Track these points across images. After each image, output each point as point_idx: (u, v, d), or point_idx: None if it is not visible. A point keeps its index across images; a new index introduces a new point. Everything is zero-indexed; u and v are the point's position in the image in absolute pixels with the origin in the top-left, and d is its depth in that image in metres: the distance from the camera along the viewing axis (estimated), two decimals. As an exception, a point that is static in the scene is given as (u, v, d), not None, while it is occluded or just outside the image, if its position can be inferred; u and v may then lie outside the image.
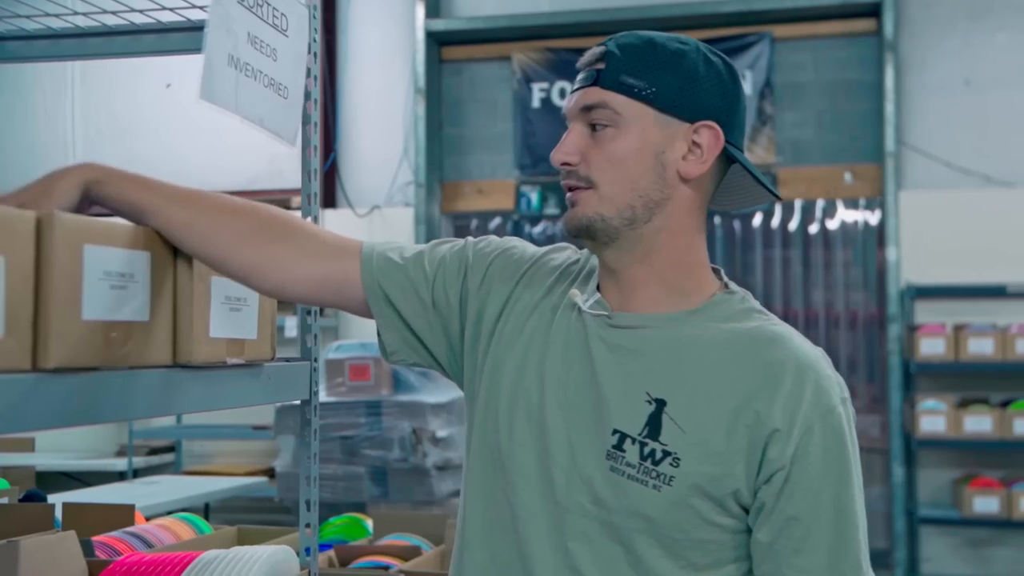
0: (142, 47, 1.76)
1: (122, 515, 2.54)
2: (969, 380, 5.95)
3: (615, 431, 1.23)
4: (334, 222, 6.74)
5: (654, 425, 1.21)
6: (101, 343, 1.16)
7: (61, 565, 1.73)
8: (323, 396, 4.82)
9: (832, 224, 6.45)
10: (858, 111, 6.29)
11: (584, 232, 1.27)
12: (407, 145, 6.73)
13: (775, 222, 6.51)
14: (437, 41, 6.74)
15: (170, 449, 6.82)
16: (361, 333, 6.48)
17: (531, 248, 1.43)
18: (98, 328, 1.16)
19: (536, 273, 1.38)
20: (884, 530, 6.30)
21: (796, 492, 1.20)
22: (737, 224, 6.55)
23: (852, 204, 6.41)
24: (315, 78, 1.68)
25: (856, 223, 6.43)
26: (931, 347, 5.74)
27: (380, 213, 6.77)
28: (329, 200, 6.85)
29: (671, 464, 1.20)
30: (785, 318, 6.32)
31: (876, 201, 6.32)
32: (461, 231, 6.99)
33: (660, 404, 1.22)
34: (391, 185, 6.78)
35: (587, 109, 1.26)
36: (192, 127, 6.75)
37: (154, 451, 6.72)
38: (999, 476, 5.86)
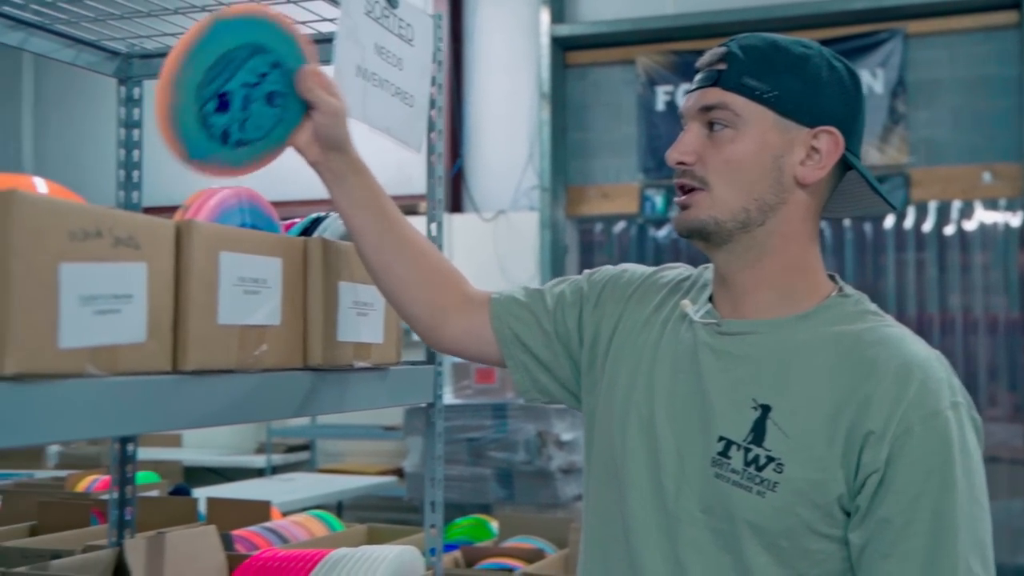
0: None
1: (260, 511, 2.64)
2: (1119, 388, 5.67)
3: (721, 438, 1.22)
4: (460, 227, 6.83)
5: (758, 431, 1.20)
6: (236, 346, 1.21)
7: (202, 558, 1.81)
8: (450, 398, 4.90)
9: (969, 225, 6.23)
10: (997, 108, 6.06)
11: (696, 234, 1.26)
12: (532, 150, 6.77)
13: (908, 224, 6.32)
14: (562, 46, 6.76)
15: (305, 447, 7.02)
16: (487, 336, 6.55)
17: (641, 269, 1.44)
18: (233, 332, 1.21)
19: (647, 291, 1.39)
20: (1027, 543, 6.05)
21: (889, 495, 1.16)
22: (868, 227, 6.38)
23: (991, 205, 6.17)
24: (440, 86, 1.72)
25: (996, 224, 6.19)
26: (1077, 353, 5.48)
27: (505, 217, 6.83)
28: (456, 205, 6.95)
29: (775, 470, 1.18)
30: (919, 323, 6.09)
31: (1017, 201, 6.08)
32: (585, 235, 7.00)
33: (765, 410, 1.20)
34: (516, 190, 6.83)
35: (706, 109, 1.25)
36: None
37: (291, 449, 6.93)
38: None
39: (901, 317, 6.27)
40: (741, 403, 1.22)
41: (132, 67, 1.87)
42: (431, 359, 1.70)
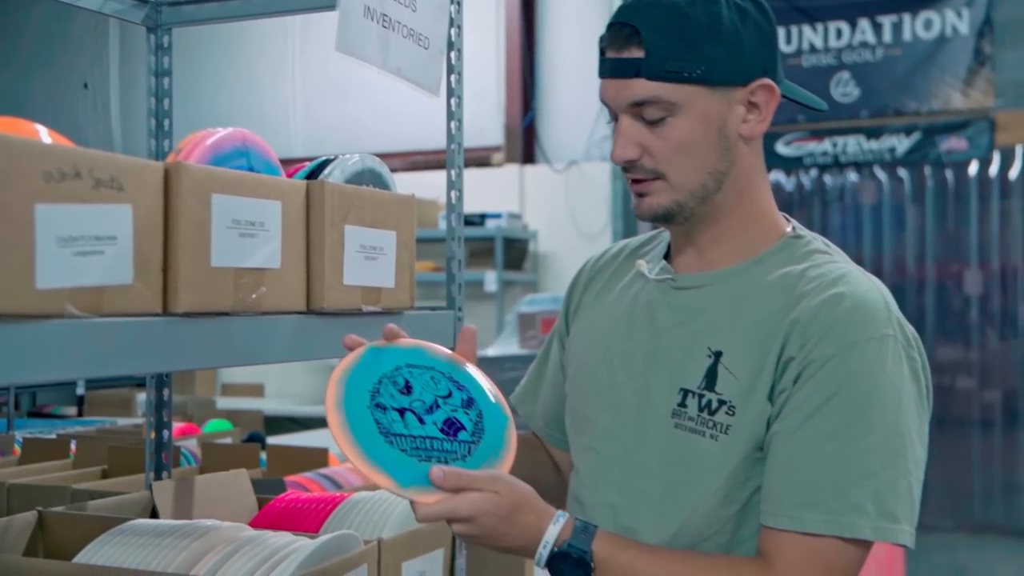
0: (301, 5, 1.81)
1: (317, 457, 2.69)
2: None
3: (681, 389, 1.23)
4: (532, 178, 6.80)
5: (711, 377, 1.21)
6: (231, 289, 1.21)
7: (232, 500, 1.83)
8: (516, 349, 4.91)
9: (1059, 171, 5.98)
10: (1090, 47, 5.79)
11: (660, 219, 1.27)
12: (604, 99, 6.70)
13: (993, 171, 6.10)
14: (635, -8, 6.65)
15: (379, 398, 7.11)
16: (555, 286, 6.53)
17: (615, 246, 1.47)
18: (228, 274, 1.21)
19: (600, 266, 1.44)
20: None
21: (787, 411, 1.16)
22: (950, 174, 6.17)
23: (1082, 149, 5.92)
24: (459, 28, 1.69)
25: (1087, 170, 5.93)
26: None
27: (578, 168, 6.77)
28: (528, 156, 6.91)
29: (727, 413, 1.19)
30: (1003, 273, 5.91)
31: (1111, 146, 5.82)
32: (660, 185, 6.91)
33: (717, 355, 1.21)
34: (588, 140, 6.76)
35: (637, 104, 1.21)
36: (399, 89, 6.93)
37: (364, 399, 7.02)
38: None
39: (984, 268, 6.10)
40: (698, 353, 1.23)
41: (161, 15, 1.87)
42: (451, 304, 1.69)
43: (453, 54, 1.69)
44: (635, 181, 1.26)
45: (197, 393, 6.12)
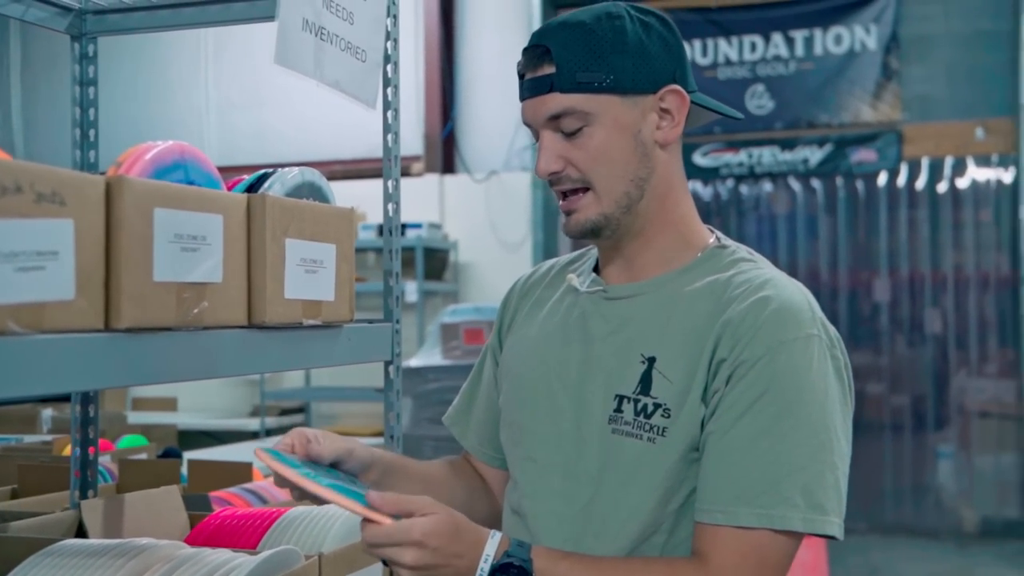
0: (231, 15, 1.79)
1: (241, 472, 2.64)
2: (1111, 344, 5.66)
3: (616, 396, 1.27)
4: (452, 188, 6.80)
5: (646, 382, 1.25)
6: (173, 304, 1.20)
7: (163, 518, 1.80)
8: (439, 360, 4.90)
9: (962, 182, 6.19)
10: (991, 63, 6.01)
11: (589, 234, 1.31)
12: (524, 110, 6.73)
13: (901, 181, 6.29)
14: (553, 4, 6.71)
15: (300, 410, 7.04)
16: (476, 296, 6.55)
17: (546, 264, 1.52)
18: (170, 289, 1.19)
19: (532, 283, 1.48)
20: (1018, 498, 6.06)
21: (720, 410, 1.20)
22: (860, 185, 6.34)
23: (984, 161, 6.14)
24: (395, 41, 1.69)
25: (988, 181, 6.15)
26: (1070, 310, 5.47)
27: (498, 178, 6.80)
28: (448, 166, 6.91)
29: (663, 415, 1.23)
30: (911, 282, 6.11)
31: (1010, 157, 6.04)
32: (579, 195, 6.97)
33: (651, 361, 1.26)
34: (508, 150, 6.80)
35: (555, 117, 1.27)
36: (317, 97, 6.86)
37: (285, 412, 6.95)
38: None
39: (894, 275, 6.28)
40: (632, 360, 1.27)
41: (86, 23, 1.84)
42: (388, 317, 1.69)
43: (389, 67, 1.69)
44: (564, 199, 1.31)
45: (106, 407, 5.97)
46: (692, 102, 1.31)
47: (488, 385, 1.50)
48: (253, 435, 6.56)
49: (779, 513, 1.16)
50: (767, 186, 6.50)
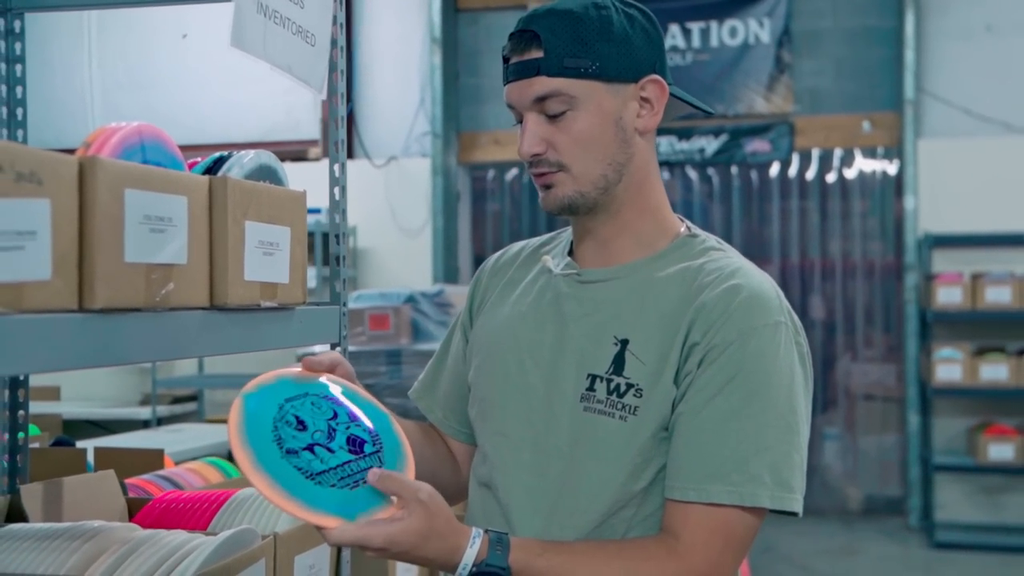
0: (170, -4, 1.78)
1: (152, 459, 2.60)
2: (986, 329, 5.97)
3: (588, 375, 1.31)
4: (352, 173, 6.75)
5: (619, 363, 1.30)
6: (143, 285, 1.19)
7: (102, 502, 1.78)
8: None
9: (850, 173, 6.44)
10: (877, 58, 6.26)
11: (566, 210, 1.35)
12: (424, 95, 6.73)
13: (792, 172, 6.50)
14: (453, -10, 6.72)
15: (192, 398, 6.91)
16: (376, 282, 6.53)
17: (518, 245, 1.55)
18: (140, 270, 1.19)
19: (504, 263, 1.51)
20: (899, 477, 6.35)
21: (691, 392, 1.26)
22: (754, 174, 6.54)
23: (870, 153, 6.39)
24: (341, 25, 1.70)
25: (874, 172, 6.41)
26: (948, 296, 5.75)
27: (397, 164, 6.79)
28: (347, 151, 6.87)
29: (635, 395, 1.28)
30: (801, 268, 6.31)
31: (894, 150, 6.30)
32: (477, 181, 7.00)
33: (624, 343, 1.30)
34: (408, 136, 6.79)
35: (540, 100, 1.31)
36: (208, 79, 6.75)
37: (177, 400, 6.82)
38: (1014, 424, 5.90)
39: (785, 262, 6.49)
40: (605, 342, 1.32)
41: (14, -1, 1.79)
42: (335, 300, 1.70)
43: (336, 51, 1.70)
44: (539, 175, 1.34)
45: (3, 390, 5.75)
46: (670, 94, 1.36)
47: (456, 360, 1.53)
48: (144, 424, 6.42)
49: (748, 491, 1.22)
50: (665, 175, 6.64)
